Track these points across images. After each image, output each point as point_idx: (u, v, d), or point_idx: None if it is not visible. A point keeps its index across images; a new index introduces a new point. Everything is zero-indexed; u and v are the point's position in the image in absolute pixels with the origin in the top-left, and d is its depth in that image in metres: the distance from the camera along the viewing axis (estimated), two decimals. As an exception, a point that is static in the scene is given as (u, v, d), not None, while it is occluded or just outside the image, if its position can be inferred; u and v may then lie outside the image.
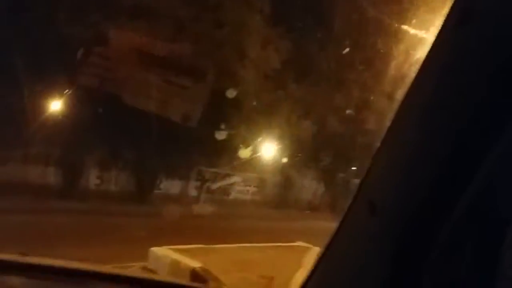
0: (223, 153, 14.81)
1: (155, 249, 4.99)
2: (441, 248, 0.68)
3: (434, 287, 0.69)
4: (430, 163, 0.69)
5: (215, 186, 16.09)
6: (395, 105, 0.73)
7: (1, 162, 11.56)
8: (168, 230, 7.75)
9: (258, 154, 14.90)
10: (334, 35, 10.97)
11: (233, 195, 16.53)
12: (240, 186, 16.74)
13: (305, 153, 14.28)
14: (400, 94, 0.73)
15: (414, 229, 0.69)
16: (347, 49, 10.23)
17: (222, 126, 13.10)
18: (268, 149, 14.23)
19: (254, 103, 13.23)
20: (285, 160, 14.73)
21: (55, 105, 11.66)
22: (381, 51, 6.66)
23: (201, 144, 13.90)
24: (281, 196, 16.83)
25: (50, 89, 11.29)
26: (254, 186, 16.73)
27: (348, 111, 12.86)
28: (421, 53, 0.70)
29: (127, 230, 7.34)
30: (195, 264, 4.52)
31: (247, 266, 4.87)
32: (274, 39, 12.35)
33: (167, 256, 4.87)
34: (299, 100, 12.77)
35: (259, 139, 13.92)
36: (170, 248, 5.09)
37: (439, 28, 0.67)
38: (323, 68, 12.62)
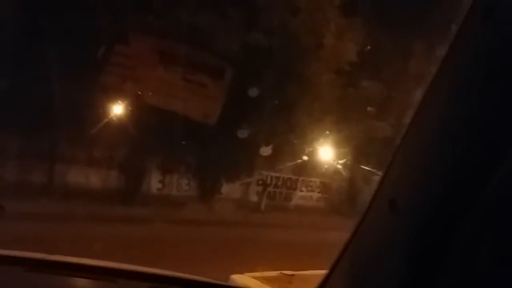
0: (286, 156, 14.12)
1: (235, 277, 4.32)
2: (459, 247, 0.67)
3: (451, 286, 0.68)
4: (449, 162, 0.69)
5: (276, 191, 15.36)
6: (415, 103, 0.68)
7: (63, 165, 11.54)
8: (233, 242, 7.09)
9: (323, 157, 14.03)
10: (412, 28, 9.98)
11: (295, 201, 15.69)
12: (303, 192, 15.87)
13: (376, 157, 13.18)
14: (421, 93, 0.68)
15: (433, 227, 0.70)
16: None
17: (285, 128, 12.42)
18: (334, 152, 13.28)
19: (319, 101, 12.36)
20: (352, 164, 13.69)
21: (118, 108, 11.46)
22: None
23: (262, 148, 13.33)
24: (346, 203, 15.79)
25: (114, 92, 11.09)
26: (317, 192, 15.77)
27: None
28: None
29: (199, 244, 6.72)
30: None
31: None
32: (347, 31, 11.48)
33: (248, 285, 4.20)
34: (371, 98, 11.73)
35: (325, 141, 13.03)
36: (252, 276, 4.44)
37: (460, 26, 0.65)
38: (400, 63, 11.54)
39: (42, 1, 10.01)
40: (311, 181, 15.62)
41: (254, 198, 14.96)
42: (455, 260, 0.68)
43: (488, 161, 0.65)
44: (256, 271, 4.57)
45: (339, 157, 13.03)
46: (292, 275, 3.99)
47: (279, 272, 4.62)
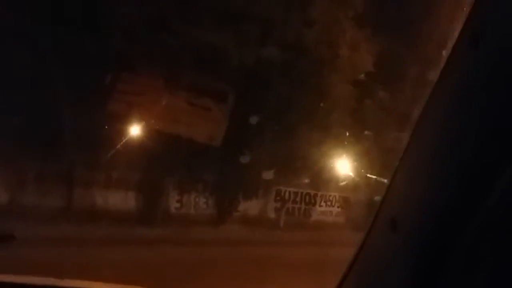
0: (304, 171, 13.92)
1: None
2: (460, 262, 0.69)
3: None
4: (447, 181, 0.70)
5: (295, 207, 15.10)
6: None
7: (82, 188, 11.56)
8: (253, 263, 6.89)
9: (342, 171, 13.78)
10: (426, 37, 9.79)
11: (314, 216, 15.39)
12: (322, 207, 15.56)
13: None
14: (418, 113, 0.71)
15: (433, 245, 0.71)
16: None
17: (302, 142, 12.26)
18: (354, 166, 13.03)
19: (336, 114, 12.19)
20: (372, 177, 13.39)
21: (134, 130, 11.51)
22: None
23: (279, 163, 13.17)
24: (367, 218, 15.42)
25: (128, 116, 11.14)
26: (337, 207, 15.43)
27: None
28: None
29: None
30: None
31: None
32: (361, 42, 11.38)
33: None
34: (391, 109, 11.52)
35: (344, 154, 12.81)
36: None
37: (451, 51, 0.70)
38: (414, 72, 11.34)
39: (60, 30, 10.17)
40: (330, 195, 15.33)
41: (272, 214, 14.72)
42: (456, 276, 0.69)
43: (486, 178, 0.67)
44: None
45: (359, 170, 12.78)
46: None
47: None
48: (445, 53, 0.73)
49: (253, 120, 11.89)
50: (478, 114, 0.68)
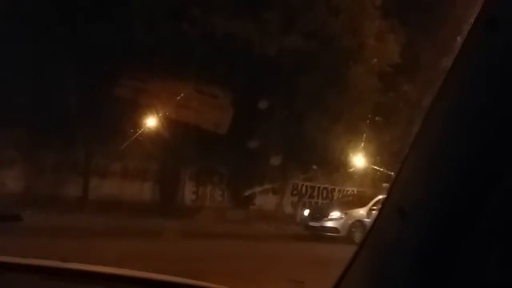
0: (321, 165, 13.69)
1: None
2: (468, 251, 0.69)
3: None
4: (456, 169, 0.70)
5: (312, 201, 14.88)
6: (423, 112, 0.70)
7: (98, 178, 11.56)
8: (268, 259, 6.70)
9: (360, 165, 13.50)
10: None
11: (331, 211, 15.13)
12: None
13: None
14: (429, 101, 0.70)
15: (442, 233, 0.71)
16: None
17: (321, 136, 12.00)
18: (372, 160, 12.73)
19: (357, 107, 11.88)
20: (391, 172, 13.06)
21: (151, 122, 11.44)
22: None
23: (296, 157, 12.96)
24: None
25: (144, 107, 11.07)
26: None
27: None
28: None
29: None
30: None
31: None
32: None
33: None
34: (413, 103, 11.18)
35: (363, 148, 12.53)
36: None
37: (466, 33, 0.68)
38: (441, 65, 10.97)
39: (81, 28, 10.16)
40: (348, 190, 15.07)
41: (288, 209, 14.53)
42: (465, 264, 0.70)
43: (497, 167, 0.67)
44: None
45: (377, 165, 12.49)
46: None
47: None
48: (459, 38, 0.70)
49: (272, 113, 11.72)
50: (493, 101, 0.67)
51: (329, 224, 11.39)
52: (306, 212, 12.58)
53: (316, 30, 10.97)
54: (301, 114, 11.84)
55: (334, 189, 15.10)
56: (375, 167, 12.70)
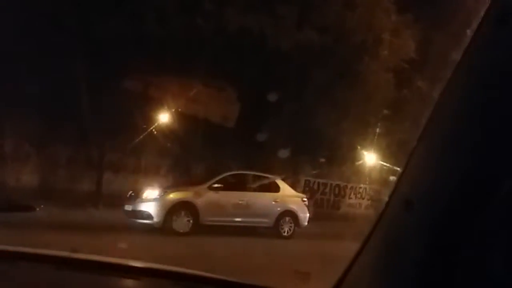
0: (334, 161, 13.58)
1: None
2: (474, 242, 0.69)
3: (466, 279, 0.70)
4: (463, 162, 0.70)
5: (324, 198, 14.78)
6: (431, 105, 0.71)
7: (111, 174, 11.62)
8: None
9: (373, 162, 13.36)
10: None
11: (343, 209, 15.04)
12: (351, 199, 15.19)
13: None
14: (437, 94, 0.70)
15: (447, 224, 0.72)
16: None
17: (333, 133, 11.89)
18: (386, 157, 12.58)
19: (371, 103, 11.74)
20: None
21: (163, 117, 11.47)
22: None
23: (308, 152, 12.87)
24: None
25: (156, 103, 11.10)
26: (367, 199, 15.02)
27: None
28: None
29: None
30: None
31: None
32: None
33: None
34: (427, 99, 11.02)
35: (376, 145, 12.39)
36: None
37: (477, 28, 0.67)
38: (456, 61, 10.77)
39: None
40: (360, 187, 14.95)
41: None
42: (469, 256, 0.70)
43: (504, 159, 0.66)
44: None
45: (391, 162, 12.34)
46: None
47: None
48: (469, 32, 0.70)
49: (283, 109, 11.66)
50: (501, 97, 0.66)
51: (143, 207, 8.42)
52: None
53: (329, 25, 10.86)
54: (314, 109, 11.75)
55: (346, 186, 14.98)
56: (389, 165, 12.55)
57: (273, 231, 9.40)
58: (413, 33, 11.21)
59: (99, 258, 1.59)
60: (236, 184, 9.47)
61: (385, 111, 12.17)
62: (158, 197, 8.59)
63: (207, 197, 8.86)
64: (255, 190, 9.67)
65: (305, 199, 10.56)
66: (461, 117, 0.72)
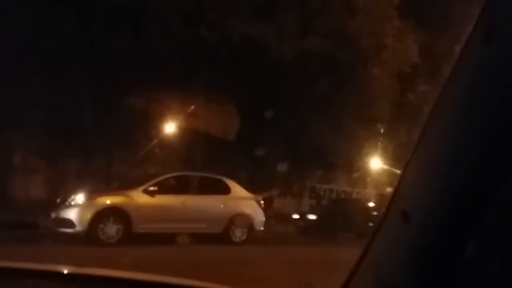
0: (340, 167, 13.58)
1: None
2: (471, 253, 0.70)
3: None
4: (459, 172, 0.71)
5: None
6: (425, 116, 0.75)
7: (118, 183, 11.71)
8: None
9: (379, 167, 13.36)
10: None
11: (350, 214, 15.00)
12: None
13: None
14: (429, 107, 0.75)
15: (445, 236, 0.73)
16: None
17: (339, 138, 11.92)
18: (391, 162, 12.58)
19: (376, 108, 11.76)
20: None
21: (170, 127, 11.60)
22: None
23: (314, 159, 12.89)
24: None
25: (163, 113, 11.20)
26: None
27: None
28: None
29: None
30: None
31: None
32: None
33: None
34: (431, 104, 11.02)
35: (381, 150, 12.39)
36: None
37: (464, 44, 0.69)
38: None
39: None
40: (366, 192, 14.93)
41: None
42: (466, 267, 0.71)
43: (499, 170, 0.68)
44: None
45: (396, 167, 12.34)
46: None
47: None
48: (457, 48, 0.71)
49: (287, 116, 11.71)
50: (490, 111, 0.68)
51: (66, 214, 7.53)
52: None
53: (332, 32, 10.92)
54: (318, 116, 11.80)
55: (352, 191, 14.98)
56: (395, 170, 12.56)
57: (223, 237, 8.40)
58: (416, 38, 11.23)
59: (105, 272, 1.56)
60: (177, 186, 8.43)
61: (389, 116, 12.18)
62: (81, 202, 7.61)
63: (141, 201, 7.82)
64: (200, 192, 8.54)
65: (262, 201, 9.49)
66: (455, 129, 0.73)
